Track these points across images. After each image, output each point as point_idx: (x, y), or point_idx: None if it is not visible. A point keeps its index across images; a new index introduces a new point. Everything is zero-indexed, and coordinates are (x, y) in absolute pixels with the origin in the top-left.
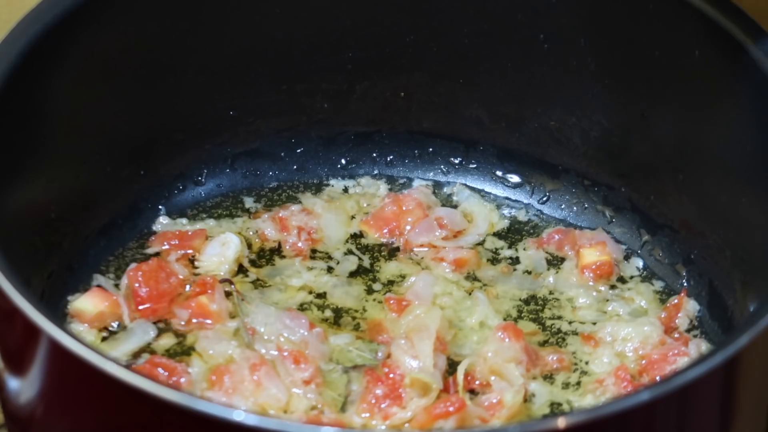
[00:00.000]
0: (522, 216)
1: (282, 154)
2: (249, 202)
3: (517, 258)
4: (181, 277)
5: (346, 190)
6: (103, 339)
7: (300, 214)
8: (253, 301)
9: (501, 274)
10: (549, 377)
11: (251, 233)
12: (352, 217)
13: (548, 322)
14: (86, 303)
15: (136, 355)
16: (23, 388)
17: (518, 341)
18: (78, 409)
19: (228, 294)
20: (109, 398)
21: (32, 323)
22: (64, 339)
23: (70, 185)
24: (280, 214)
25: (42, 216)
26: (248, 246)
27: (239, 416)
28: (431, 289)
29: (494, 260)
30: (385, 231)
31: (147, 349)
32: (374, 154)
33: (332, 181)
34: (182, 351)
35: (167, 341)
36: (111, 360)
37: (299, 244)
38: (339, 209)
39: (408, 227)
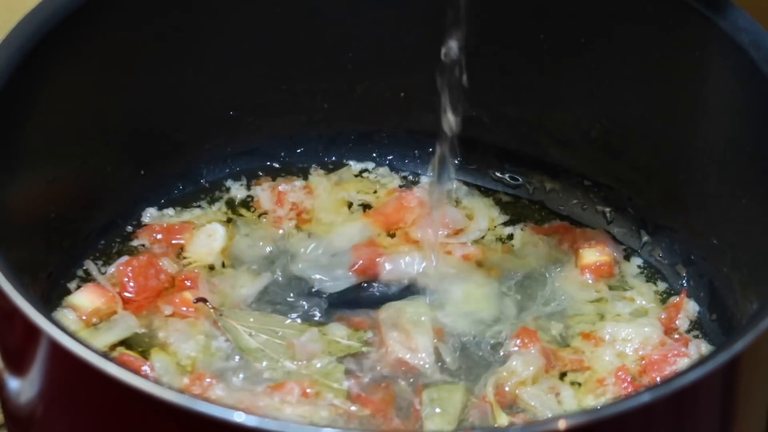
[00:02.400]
0: (522, 214)
1: (282, 154)
2: (257, 189)
3: (512, 235)
4: (171, 272)
5: (361, 173)
6: (86, 326)
7: (300, 191)
8: (231, 314)
9: (501, 253)
10: (562, 376)
11: (249, 198)
12: (350, 205)
13: (549, 322)
14: (82, 299)
15: (113, 348)
16: (23, 388)
17: (535, 344)
18: (78, 409)
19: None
20: (109, 399)
21: (32, 323)
22: (64, 339)
23: (70, 185)
24: (280, 188)
25: (42, 216)
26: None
27: (240, 417)
28: (412, 270)
29: (495, 241)
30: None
31: (121, 343)
32: (374, 154)
33: (351, 162)
34: (150, 346)
35: (141, 336)
36: (112, 361)
37: (284, 218)
38: (342, 191)
39: (406, 223)
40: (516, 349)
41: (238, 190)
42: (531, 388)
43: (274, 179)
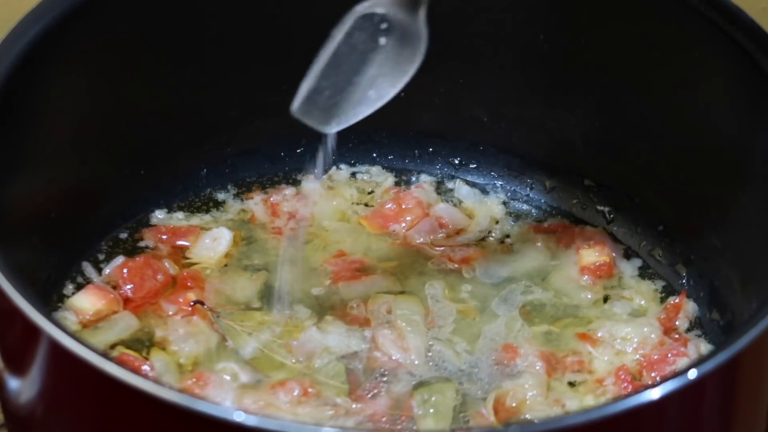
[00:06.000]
0: (522, 214)
1: (282, 154)
2: (251, 203)
3: (511, 234)
4: (172, 273)
5: (353, 175)
6: (84, 327)
7: (293, 199)
8: (228, 315)
9: (501, 252)
10: (560, 377)
11: (243, 214)
12: (346, 215)
13: (549, 323)
14: (84, 301)
15: (113, 347)
16: (23, 388)
17: (526, 355)
18: (78, 409)
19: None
20: (109, 398)
21: (32, 323)
22: (64, 339)
23: (70, 185)
24: (272, 199)
25: (42, 216)
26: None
27: (239, 417)
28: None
29: (494, 240)
30: (384, 229)
31: (121, 342)
32: (374, 154)
33: (342, 166)
34: (150, 345)
35: (141, 335)
36: (111, 360)
37: (283, 228)
38: (337, 196)
39: (404, 224)
40: (505, 362)
41: (235, 201)
42: (537, 405)
43: (264, 190)
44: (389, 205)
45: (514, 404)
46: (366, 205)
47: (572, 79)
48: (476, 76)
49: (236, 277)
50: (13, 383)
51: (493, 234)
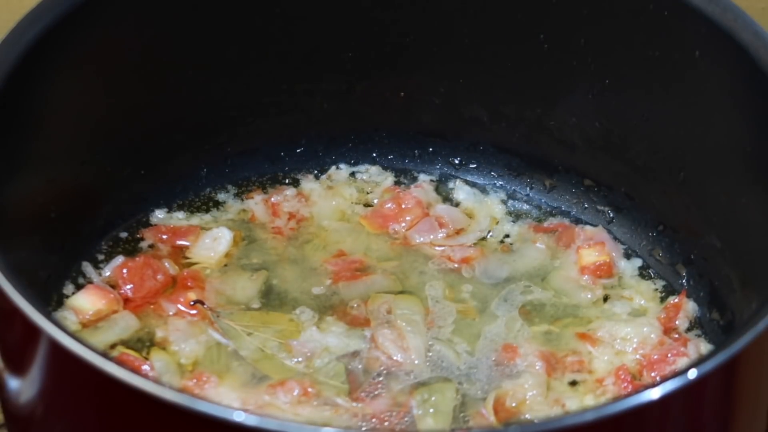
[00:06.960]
0: (522, 214)
1: (282, 154)
2: (251, 203)
3: (511, 234)
4: (172, 273)
5: (353, 175)
6: (84, 327)
7: (293, 199)
8: (228, 315)
9: (501, 252)
10: (560, 377)
11: (243, 214)
12: (344, 215)
13: (549, 323)
14: (84, 301)
15: (113, 347)
16: (23, 388)
17: (526, 355)
18: (78, 409)
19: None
20: (109, 398)
21: (32, 323)
22: (64, 339)
23: (70, 185)
24: (273, 199)
25: (42, 216)
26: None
27: (239, 417)
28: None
29: (494, 240)
30: (384, 229)
31: (121, 342)
32: (374, 154)
33: (341, 165)
34: (150, 345)
35: (141, 335)
36: (111, 360)
37: (283, 228)
38: (337, 196)
39: (404, 224)
40: (505, 362)
41: (234, 201)
42: (537, 405)
43: (265, 190)
44: (389, 205)
45: (514, 404)
46: (366, 204)
47: (572, 80)
48: (476, 76)
49: (236, 277)
50: (13, 383)
51: (493, 234)
